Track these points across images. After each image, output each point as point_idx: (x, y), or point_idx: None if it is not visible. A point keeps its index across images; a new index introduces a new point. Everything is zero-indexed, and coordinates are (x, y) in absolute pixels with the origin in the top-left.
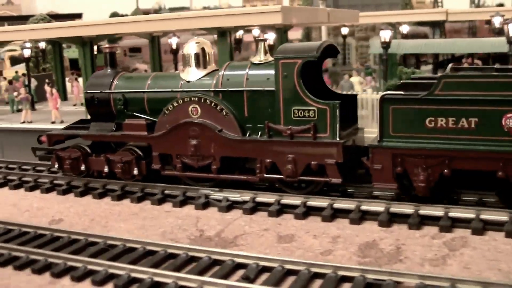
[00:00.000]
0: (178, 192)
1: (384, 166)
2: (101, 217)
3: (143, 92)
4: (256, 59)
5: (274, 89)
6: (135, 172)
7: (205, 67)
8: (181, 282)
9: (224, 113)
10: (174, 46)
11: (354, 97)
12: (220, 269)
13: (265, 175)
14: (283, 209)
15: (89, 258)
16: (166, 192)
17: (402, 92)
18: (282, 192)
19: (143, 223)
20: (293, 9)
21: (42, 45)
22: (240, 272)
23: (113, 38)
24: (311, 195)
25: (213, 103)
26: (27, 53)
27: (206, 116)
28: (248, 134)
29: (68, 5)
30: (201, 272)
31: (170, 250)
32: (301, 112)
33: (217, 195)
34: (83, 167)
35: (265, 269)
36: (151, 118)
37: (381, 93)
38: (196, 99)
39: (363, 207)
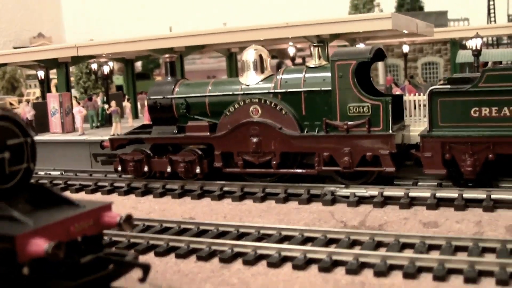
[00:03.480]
0: (302, 190)
1: (434, 154)
2: (233, 215)
3: (205, 96)
4: (311, 63)
5: (330, 88)
6: (198, 170)
7: (262, 72)
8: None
9: (284, 112)
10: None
11: (400, 97)
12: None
13: (323, 167)
14: (412, 201)
15: (257, 243)
16: (289, 191)
17: (449, 86)
18: (338, 184)
19: (279, 218)
20: (401, 16)
21: (111, 64)
22: (409, 252)
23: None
24: (439, 187)
25: (273, 104)
26: (106, 70)
27: (267, 116)
28: (305, 131)
29: (95, 36)
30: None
31: (329, 236)
32: (356, 108)
33: (343, 191)
34: (146, 169)
35: (431, 247)
36: (212, 120)
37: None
38: (257, 100)
39: (494, 196)
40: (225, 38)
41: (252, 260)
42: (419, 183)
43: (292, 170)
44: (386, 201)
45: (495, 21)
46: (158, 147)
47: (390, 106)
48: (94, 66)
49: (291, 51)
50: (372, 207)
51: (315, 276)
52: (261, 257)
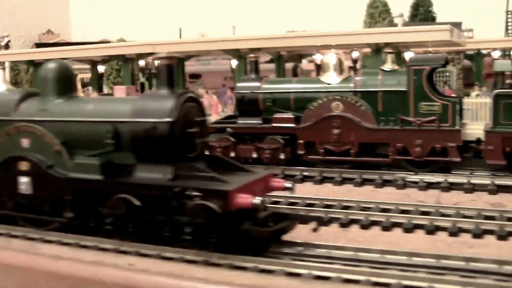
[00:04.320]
0: (376, 176)
1: (496, 147)
2: (320, 194)
3: (290, 92)
4: (385, 67)
5: (405, 89)
6: (282, 157)
7: (341, 73)
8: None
9: (363, 108)
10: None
11: (460, 98)
12: None
13: (396, 156)
14: (474, 187)
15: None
16: (363, 176)
17: (511, 90)
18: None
19: (363, 198)
20: (453, 28)
21: (142, 63)
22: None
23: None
24: (497, 176)
25: (353, 100)
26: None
27: (347, 111)
28: (381, 124)
29: (104, 35)
30: None
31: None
32: (428, 107)
33: (412, 177)
34: (233, 154)
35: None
36: (295, 113)
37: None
38: (339, 97)
39: None
40: (294, 42)
41: (367, 225)
42: (474, 173)
43: (369, 158)
44: (451, 186)
45: None
46: (239, 136)
47: (458, 105)
48: (142, 63)
49: (355, 55)
50: (440, 191)
51: (424, 237)
52: (373, 223)
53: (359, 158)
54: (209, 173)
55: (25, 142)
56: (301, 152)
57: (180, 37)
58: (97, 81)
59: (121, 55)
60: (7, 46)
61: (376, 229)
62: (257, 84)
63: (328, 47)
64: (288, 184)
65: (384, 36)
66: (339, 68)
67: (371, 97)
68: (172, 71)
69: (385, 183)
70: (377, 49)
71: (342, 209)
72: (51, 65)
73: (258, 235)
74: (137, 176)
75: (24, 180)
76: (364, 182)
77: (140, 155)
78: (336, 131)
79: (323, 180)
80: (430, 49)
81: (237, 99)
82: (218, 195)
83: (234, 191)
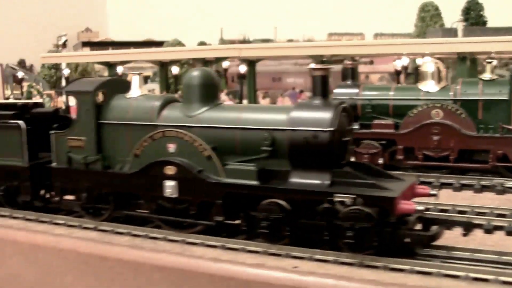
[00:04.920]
0: (474, 181)
1: None
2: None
3: (390, 99)
4: (484, 77)
5: (506, 98)
6: (380, 161)
7: (439, 82)
8: None
9: (463, 116)
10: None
11: None
12: None
13: (496, 163)
14: None
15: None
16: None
17: None
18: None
19: (468, 202)
20: None
21: (226, 64)
22: None
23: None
24: None
25: (454, 108)
26: (242, 70)
27: (447, 118)
28: (481, 132)
29: (145, 33)
30: None
31: None
32: None
33: (511, 184)
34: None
35: None
36: (394, 120)
37: None
38: (439, 105)
39: None
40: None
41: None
42: None
43: (469, 165)
44: None
45: None
46: None
47: None
48: (225, 64)
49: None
50: None
51: None
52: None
53: (458, 164)
54: (368, 180)
55: (171, 147)
56: (400, 157)
57: (222, 37)
58: (166, 82)
59: (201, 58)
60: (64, 45)
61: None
62: (355, 90)
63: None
64: (433, 191)
65: (474, 45)
66: (438, 76)
67: (471, 105)
68: (327, 82)
69: (483, 188)
70: (462, 58)
71: (476, 214)
72: (196, 73)
73: (417, 239)
74: (292, 181)
75: (170, 183)
76: (463, 187)
77: (296, 162)
78: (436, 137)
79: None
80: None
81: None
82: (383, 202)
83: (398, 198)
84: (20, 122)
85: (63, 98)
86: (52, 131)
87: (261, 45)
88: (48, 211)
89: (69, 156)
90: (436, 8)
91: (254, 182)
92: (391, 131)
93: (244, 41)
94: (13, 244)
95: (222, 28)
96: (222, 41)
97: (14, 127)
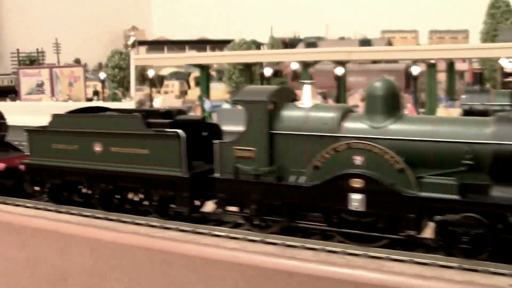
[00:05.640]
0: None
1: None
2: None
3: None
4: None
5: None
6: None
7: None
8: None
9: None
10: None
11: None
12: None
13: None
14: None
15: None
16: None
17: None
18: None
19: None
20: None
21: (295, 66)
22: None
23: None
24: None
25: None
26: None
27: None
28: None
29: (190, 31)
30: None
31: None
32: None
33: None
34: None
35: None
36: None
37: None
38: None
39: None
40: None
41: None
42: None
43: None
44: None
45: None
46: None
47: None
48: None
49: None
50: None
51: None
52: None
53: None
54: None
55: (358, 159)
56: None
57: (272, 36)
58: (207, 83)
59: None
60: (133, 45)
61: None
62: (485, 96)
63: None
64: None
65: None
66: None
67: None
68: None
69: None
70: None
71: None
72: (379, 83)
73: None
74: (496, 196)
75: (356, 197)
76: None
77: (499, 176)
78: None
79: None
80: None
81: (464, 110)
82: None
83: None
84: (180, 131)
85: None
86: (216, 141)
87: (371, 48)
88: (192, 221)
89: (236, 167)
90: (507, 4)
91: (455, 196)
92: None
93: (294, 39)
94: (183, 257)
95: (272, 26)
96: (272, 39)
97: (172, 136)
